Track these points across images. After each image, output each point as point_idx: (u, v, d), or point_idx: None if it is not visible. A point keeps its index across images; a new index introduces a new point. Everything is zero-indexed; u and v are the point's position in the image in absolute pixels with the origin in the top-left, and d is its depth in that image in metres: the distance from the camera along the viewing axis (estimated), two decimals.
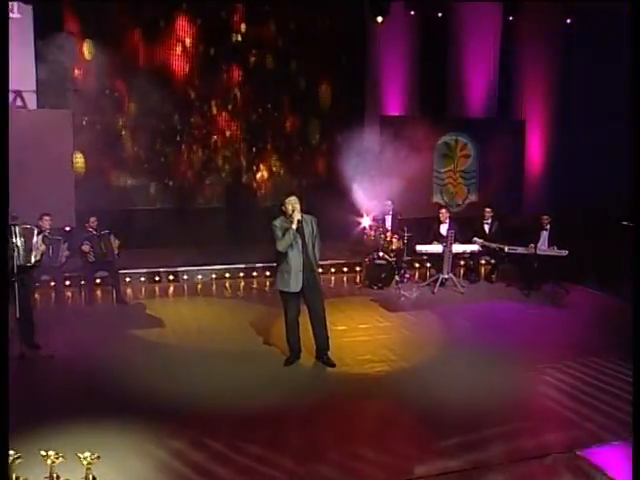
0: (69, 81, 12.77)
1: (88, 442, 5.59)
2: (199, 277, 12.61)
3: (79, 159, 13.05)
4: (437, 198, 15.00)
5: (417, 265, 13.40)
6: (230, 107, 14.46)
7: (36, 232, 8.40)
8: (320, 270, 8.35)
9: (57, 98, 12.64)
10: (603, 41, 13.14)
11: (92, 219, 11.01)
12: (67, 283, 11.42)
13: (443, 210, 12.41)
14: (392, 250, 12.11)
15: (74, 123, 12.60)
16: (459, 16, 14.88)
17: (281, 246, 7.79)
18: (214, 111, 14.38)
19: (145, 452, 5.87)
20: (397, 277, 11.90)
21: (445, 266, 11.76)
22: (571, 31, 14.13)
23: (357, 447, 6.04)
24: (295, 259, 7.84)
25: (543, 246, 11.68)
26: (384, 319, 10.15)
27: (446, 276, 11.86)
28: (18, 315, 7.87)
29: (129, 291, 11.79)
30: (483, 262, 13.17)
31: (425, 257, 12.79)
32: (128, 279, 12.09)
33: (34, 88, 12.53)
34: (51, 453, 4.89)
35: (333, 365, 8.07)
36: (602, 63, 13.18)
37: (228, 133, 14.51)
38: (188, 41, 13.89)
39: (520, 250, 11.65)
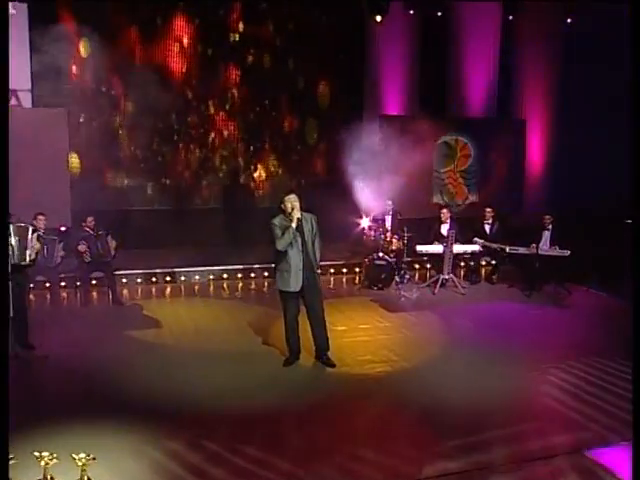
0: (64, 80, 12.61)
1: (83, 443, 5.48)
2: (196, 278, 12.48)
3: (74, 159, 12.92)
4: (437, 198, 14.88)
5: (417, 266, 13.26)
6: (228, 107, 14.36)
7: (31, 230, 8.25)
8: (319, 271, 8.17)
9: (52, 97, 12.50)
10: (603, 41, 13.07)
11: (89, 219, 10.87)
12: (62, 284, 11.26)
13: (444, 210, 12.31)
14: (392, 250, 12.01)
15: (70, 122, 12.47)
16: (459, 15, 14.81)
17: (280, 245, 7.68)
18: (212, 110, 14.28)
19: (141, 453, 5.76)
20: (397, 278, 11.78)
21: (445, 267, 11.64)
22: (571, 31, 14.08)
23: (358, 448, 5.92)
24: (295, 258, 7.73)
25: (545, 246, 11.57)
26: (384, 319, 10.04)
27: (446, 277, 11.74)
28: (12, 315, 7.68)
29: (125, 292, 11.66)
30: (484, 263, 13.05)
31: (425, 258, 12.68)
32: (124, 280, 11.96)
33: (29, 87, 12.40)
34: (45, 454, 4.79)
35: (333, 365, 7.96)
36: (602, 63, 13.09)
37: (226, 133, 14.42)
38: (185, 40, 13.78)
39: (522, 250, 11.54)
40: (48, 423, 6.19)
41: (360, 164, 13.13)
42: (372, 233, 12.33)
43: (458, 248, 11.68)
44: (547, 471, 5.61)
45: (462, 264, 12.89)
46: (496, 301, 11.29)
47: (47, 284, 10.93)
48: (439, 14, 14.53)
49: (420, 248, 11.66)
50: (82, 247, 10.58)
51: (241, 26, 14.10)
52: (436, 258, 11.94)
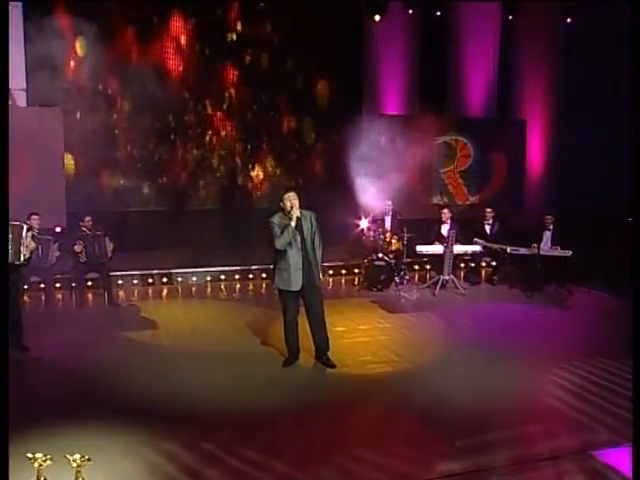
0: (60, 79, 12.45)
1: (78, 444, 5.36)
2: (193, 279, 12.35)
3: (69, 160, 12.77)
4: (437, 199, 14.75)
5: (417, 267, 13.13)
6: (225, 106, 14.23)
7: (25, 229, 8.11)
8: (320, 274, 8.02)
9: (48, 96, 12.33)
10: (603, 41, 13.00)
11: (87, 218, 10.74)
12: (57, 285, 11.12)
13: (445, 210, 12.20)
14: (391, 251, 11.88)
15: (65, 121, 12.34)
16: (458, 15, 14.72)
17: (279, 244, 7.57)
18: (209, 110, 14.17)
19: (137, 454, 5.65)
20: (397, 279, 11.64)
21: (446, 267, 11.51)
22: (571, 31, 13.99)
23: (358, 449, 5.80)
24: (294, 257, 7.62)
25: (546, 246, 11.46)
26: (384, 320, 9.93)
27: (447, 278, 11.61)
28: None
29: (121, 293, 11.54)
30: (484, 264, 12.95)
31: (425, 259, 12.57)
32: (120, 281, 11.84)
33: (24, 86, 12.26)
34: (38, 455, 4.67)
35: (333, 366, 7.83)
36: (602, 63, 13.02)
37: (223, 133, 14.30)
38: (183, 39, 13.66)
39: (523, 251, 11.42)
40: (43, 424, 6.07)
41: (359, 164, 13.06)
42: (371, 234, 12.20)
43: (458, 248, 11.56)
44: (552, 472, 5.50)
45: (462, 265, 12.75)
46: (497, 302, 11.18)
47: (42, 285, 10.81)
48: (438, 14, 14.43)
49: (420, 248, 11.55)
50: (78, 247, 10.45)
51: (239, 25, 13.98)
52: (436, 259, 11.82)
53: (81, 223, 10.72)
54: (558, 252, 11.25)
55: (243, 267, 12.64)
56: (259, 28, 14.04)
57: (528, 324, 9.86)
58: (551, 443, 5.95)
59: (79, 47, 12.63)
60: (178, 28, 13.60)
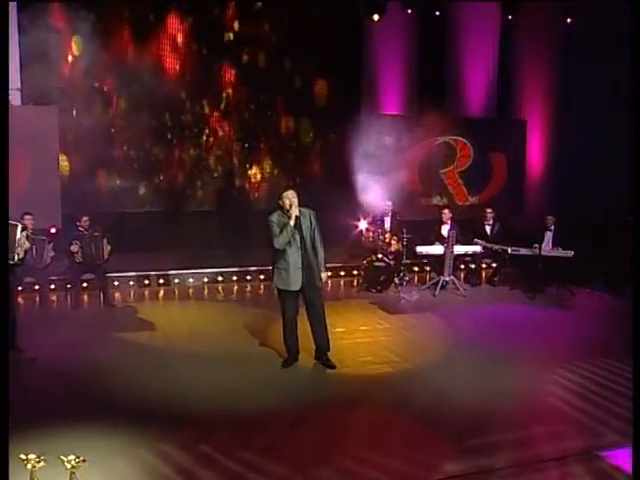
0: (55, 77, 12.31)
1: (73, 445, 5.22)
2: (190, 281, 12.21)
3: (64, 160, 12.64)
4: (436, 199, 14.63)
5: (416, 268, 12.99)
6: (223, 106, 14.10)
7: (20, 228, 7.97)
8: (323, 273, 7.90)
9: (43, 95, 12.21)
10: (603, 40, 12.94)
11: (84, 218, 10.60)
12: (52, 287, 10.99)
13: (446, 210, 12.11)
14: (391, 252, 11.76)
15: (60, 121, 12.18)
16: (457, 15, 14.63)
17: (278, 243, 7.46)
18: (206, 110, 14.03)
19: (133, 455, 5.55)
20: (396, 280, 11.53)
21: (446, 268, 11.39)
22: (571, 31, 13.94)
23: (359, 450, 5.70)
24: (293, 256, 7.51)
25: (547, 247, 11.36)
26: (384, 321, 9.82)
27: (447, 278, 11.48)
28: None
29: (117, 295, 11.39)
30: (484, 265, 12.85)
31: (425, 260, 12.45)
32: (116, 283, 11.68)
33: (19, 86, 12.11)
34: (32, 457, 4.55)
35: (333, 367, 7.72)
36: (602, 62, 12.97)
37: (221, 133, 14.16)
38: (180, 38, 13.53)
39: (524, 251, 11.31)
40: (37, 425, 5.94)
41: (358, 164, 12.96)
42: (370, 234, 12.06)
43: (459, 249, 11.45)
44: (555, 473, 5.41)
45: (462, 267, 12.64)
46: (498, 303, 11.08)
47: (36, 286, 10.65)
48: (437, 13, 14.34)
49: (420, 249, 11.44)
50: (74, 247, 10.31)
51: (236, 25, 13.85)
52: (436, 259, 11.71)
53: (78, 223, 10.59)
54: (560, 253, 11.14)
55: (241, 268, 12.50)
56: (256, 27, 13.91)
57: (529, 325, 9.77)
58: (554, 444, 5.86)
59: (75, 45, 12.50)
60: (175, 27, 13.48)
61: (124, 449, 5.63)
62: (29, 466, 4.53)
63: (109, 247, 10.66)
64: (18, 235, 7.85)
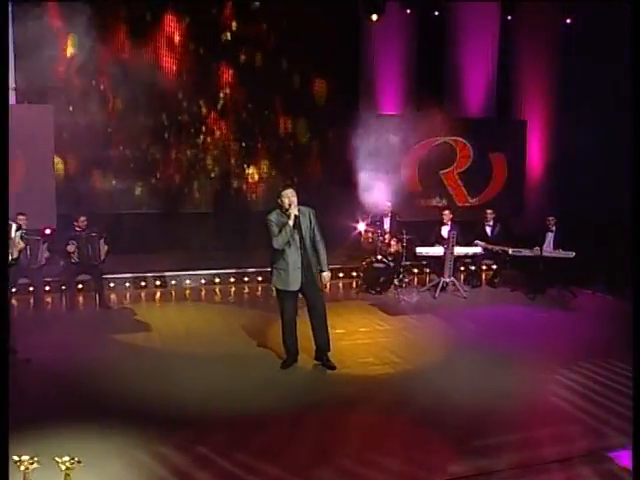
0: (51, 77, 12.18)
1: (69, 447, 5.14)
2: (187, 282, 12.08)
3: (59, 160, 12.50)
4: (436, 200, 14.51)
5: (416, 270, 12.86)
6: (220, 106, 13.96)
7: (14, 227, 7.82)
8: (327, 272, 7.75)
9: (38, 94, 12.08)
10: (603, 40, 12.87)
11: (82, 218, 10.48)
12: (47, 288, 10.84)
13: (446, 211, 12.02)
14: (390, 253, 11.63)
15: (56, 120, 12.05)
16: (456, 15, 14.53)
17: (277, 243, 7.35)
18: (203, 110, 13.88)
19: (129, 456, 5.43)
20: (396, 281, 11.41)
21: (446, 269, 11.28)
22: (570, 31, 13.85)
23: (360, 452, 5.60)
24: (293, 255, 7.40)
25: (549, 248, 11.26)
26: (384, 322, 9.73)
27: (447, 280, 11.36)
28: None
29: (113, 296, 11.27)
30: (484, 267, 12.76)
31: (424, 262, 12.33)
32: (112, 284, 11.55)
33: (13, 85, 11.96)
34: (25, 458, 4.41)
35: (333, 367, 7.61)
36: (602, 62, 12.89)
37: (218, 133, 14.02)
38: (177, 38, 13.40)
39: (525, 252, 11.20)
40: (31, 427, 5.79)
41: (356, 165, 12.86)
42: (370, 235, 11.93)
43: (459, 250, 11.34)
44: (559, 475, 5.31)
45: (462, 268, 12.54)
46: (499, 304, 11.01)
47: (30, 288, 10.46)
48: (436, 13, 14.23)
49: (420, 250, 11.31)
50: (71, 247, 10.17)
51: (234, 24, 13.72)
52: (436, 261, 11.60)
53: (75, 223, 10.46)
54: (561, 254, 11.04)
55: (238, 270, 12.38)
56: (254, 27, 13.78)
57: (531, 326, 9.70)
58: (556, 445, 5.79)
59: (71, 44, 12.36)
60: (172, 26, 13.34)
61: (120, 450, 5.52)
62: (22, 468, 4.40)
63: (106, 247, 10.53)
64: (12, 234, 7.70)
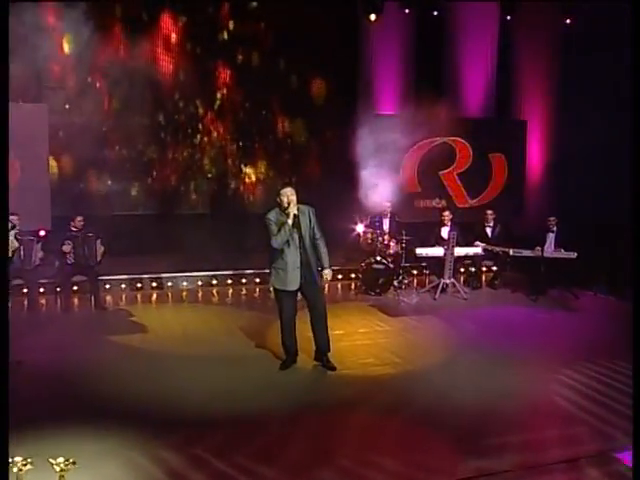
0: (45, 76, 12.03)
1: (63, 448, 5.07)
2: (184, 284, 11.94)
3: (53, 161, 12.36)
4: (435, 201, 14.37)
5: (415, 272, 12.74)
6: (217, 106, 13.82)
7: (9, 227, 7.68)
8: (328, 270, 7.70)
9: (32, 95, 11.94)
10: (603, 41, 12.81)
11: (78, 218, 10.34)
12: (41, 290, 10.68)
13: (446, 212, 11.91)
14: (390, 254, 11.50)
15: (50, 120, 11.91)
16: (455, 15, 14.43)
17: (276, 242, 7.22)
18: (200, 110, 13.74)
19: (124, 457, 5.33)
20: (395, 283, 11.28)
21: (447, 270, 11.15)
22: (570, 31, 13.80)
23: (361, 453, 5.51)
24: (292, 255, 7.28)
25: (550, 249, 11.15)
26: (384, 323, 9.63)
27: (447, 281, 11.23)
28: None
29: (109, 298, 11.11)
30: (484, 269, 12.65)
31: (424, 263, 12.19)
32: (108, 286, 11.40)
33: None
34: (18, 459, 4.31)
35: (333, 368, 7.49)
36: (602, 62, 12.88)
37: (215, 133, 13.87)
38: (173, 37, 13.25)
39: (526, 253, 11.08)
40: (25, 428, 5.62)
41: (355, 165, 12.75)
42: (369, 236, 11.78)
43: (459, 251, 11.21)
44: (565, 477, 5.23)
45: (462, 270, 12.43)
46: (501, 305, 10.92)
47: (24, 290, 10.28)
48: (435, 13, 14.14)
49: (420, 251, 11.15)
50: (67, 247, 10.02)
51: (231, 24, 13.60)
52: (436, 262, 11.46)
53: (72, 223, 10.31)
54: (563, 254, 10.94)
55: (236, 272, 12.24)
56: (251, 26, 13.65)
57: (533, 327, 9.62)
58: (559, 445, 5.72)
59: (66, 43, 12.21)
60: (168, 26, 13.21)
61: (115, 451, 5.42)
62: (15, 469, 4.29)
63: (102, 248, 10.37)
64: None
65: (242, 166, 14.15)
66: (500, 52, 15.05)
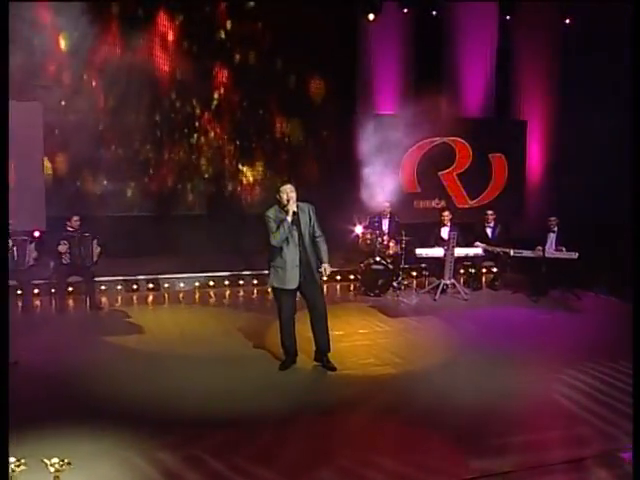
0: (40, 74, 11.89)
1: (58, 448, 5.01)
2: (181, 285, 11.80)
3: (48, 160, 12.24)
4: (435, 202, 14.28)
5: (414, 273, 12.60)
6: (214, 106, 13.70)
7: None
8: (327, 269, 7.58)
9: (27, 95, 11.78)
10: (602, 41, 12.78)
11: (75, 218, 10.24)
12: (36, 291, 10.59)
13: (446, 212, 11.82)
14: (389, 255, 11.40)
15: (45, 119, 11.78)
16: (454, 15, 14.34)
17: (275, 240, 7.12)
18: (197, 110, 13.61)
19: (119, 458, 5.26)
20: (395, 283, 11.18)
21: (447, 271, 11.05)
22: (570, 31, 13.76)
23: (361, 453, 5.46)
24: (291, 253, 7.18)
25: (551, 249, 11.06)
26: (384, 324, 9.54)
27: (448, 282, 11.13)
28: None
29: (104, 299, 10.96)
30: (484, 270, 12.56)
31: (423, 264, 12.06)
32: (103, 287, 11.25)
33: None
34: (11, 460, 4.22)
35: (334, 369, 7.41)
36: (602, 62, 12.86)
37: (212, 134, 13.75)
38: (170, 36, 13.13)
39: (526, 253, 10.99)
40: (20, 428, 5.44)
41: (354, 166, 12.66)
42: (368, 237, 11.67)
43: (459, 251, 11.12)
44: (567, 478, 5.20)
45: (462, 271, 12.30)
46: (501, 306, 10.83)
47: (18, 291, 10.15)
48: (434, 13, 14.05)
49: (420, 252, 11.07)
50: (62, 247, 9.91)
51: (228, 23, 13.48)
52: (436, 262, 11.35)
53: (68, 223, 10.20)
54: (564, 254, 10.84)
55: (233, 273, 12.10)
56: (249, 26, 13.54)
57: (534, 327, 9.54)
58: (561, 445, 5.63)
59: (61, 41, 12.09)
60: (165, 24, 13.08)
61: (111, 452, 5.35)
62: (8, 470, 4.17)
63: (99, 249, 10.26)
64: None
65: (239, 166, 14.03)
66: (500, 52, 14.96)
